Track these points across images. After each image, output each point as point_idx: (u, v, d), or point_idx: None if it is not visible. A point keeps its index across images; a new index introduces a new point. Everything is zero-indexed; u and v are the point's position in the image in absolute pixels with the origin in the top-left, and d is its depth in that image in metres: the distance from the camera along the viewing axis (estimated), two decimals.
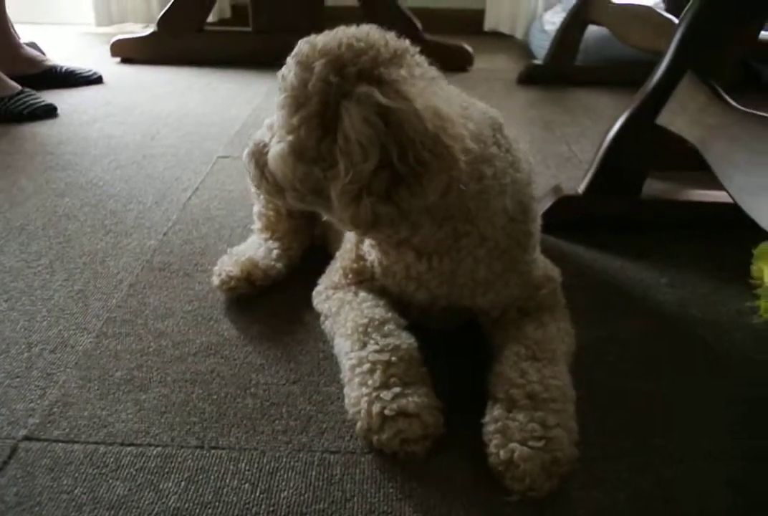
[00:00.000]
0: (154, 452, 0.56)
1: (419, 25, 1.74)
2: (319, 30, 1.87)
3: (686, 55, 0.81)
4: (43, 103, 1.39)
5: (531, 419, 0.52)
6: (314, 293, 0.71)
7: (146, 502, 0.51)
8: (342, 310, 0.65)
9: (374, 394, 0.55)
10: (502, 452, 0.51)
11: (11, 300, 0.77)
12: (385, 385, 0.55)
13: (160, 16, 1.76)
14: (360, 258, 0.67)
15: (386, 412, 0.53)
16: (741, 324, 0.75)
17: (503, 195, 0.58)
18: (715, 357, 0.71)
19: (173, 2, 1.73)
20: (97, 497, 0.52)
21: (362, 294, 0.66)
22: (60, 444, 0.57)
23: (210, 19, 2.18)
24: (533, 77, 1.70)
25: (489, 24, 2.18)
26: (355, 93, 0.51)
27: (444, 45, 1.79)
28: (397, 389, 0.55)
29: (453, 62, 1.79)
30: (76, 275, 0.82)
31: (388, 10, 1.73)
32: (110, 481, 0.53)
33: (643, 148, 0.87)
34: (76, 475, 0.54)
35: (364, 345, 0.59)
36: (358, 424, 0.55)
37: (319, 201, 0.57)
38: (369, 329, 0.60)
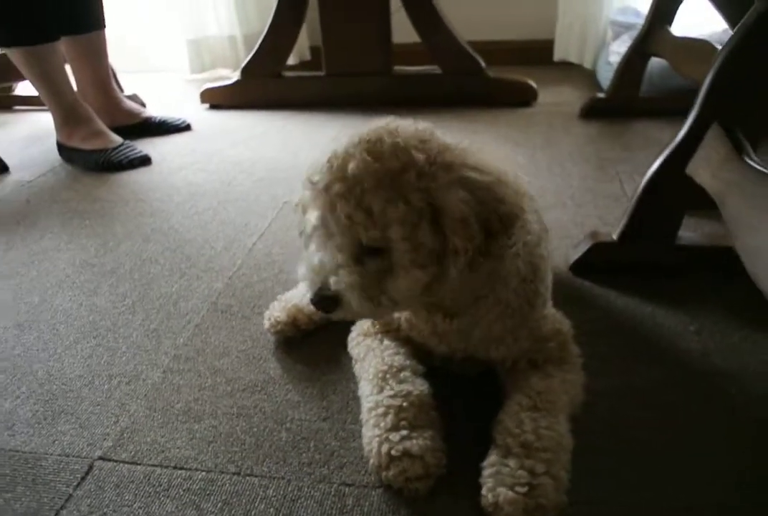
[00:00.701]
0: (200, 476, 0.66)
1: (482, 63, 1.81)
2: (389, 72, 2.01)
3: (713, 106, 0.83)
4: (140, 154, 1.59)
5: (521, 467, 0.57)
6: (349, 338, 0.80)
7: None
8: (367, 355, 0.73)
9: (385, 435, 0.62)
10: (490, 495, 0.56)
11: (98, 337, 0.91)
12: (395, 428, 0.62)
13: (242, 67, 1.94)
14: None
15: (393, 452, 0.60)
16: (767, 376, 0.76)
17: (516, 258, 0.64)
18: (734, 409, 0.72)
19: (253, 54, 1.91)
20: (150, 512, 0.62)
21: (386, 342, 0.73)
22: (126, 465, 0.68)
23: (291, 61, 2.37)
24: (595, 111, 1.72)
25: (558, 54, 2.20)
26: (444, 180, 0.57)
27: (508, 81, 1.84)
28: (404, 432, 0.62)
29: (517, 98, 1.85)
30: (152, 315, 0.96)
31: (449, 48, 1.80)
32: (162, 498, 0.64)
33: (676, 196, 0.89)
34: (136, 492, 0.65)
35: (381, 390, 0.67)
36: (371, 461, 0.63)
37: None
38: (387, 375, 0.68)
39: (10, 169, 1.64)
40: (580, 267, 0.98)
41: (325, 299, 0.60)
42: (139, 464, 0.69)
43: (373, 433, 0.63)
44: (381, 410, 0.64)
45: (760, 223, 0.66)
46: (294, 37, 1.90)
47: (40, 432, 0.74)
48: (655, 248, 0.95)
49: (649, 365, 0.79)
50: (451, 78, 1.84)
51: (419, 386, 0.67)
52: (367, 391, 0.68)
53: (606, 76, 1.80)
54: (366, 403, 0.67)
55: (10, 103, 2.26)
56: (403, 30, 1.84)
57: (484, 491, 0.58)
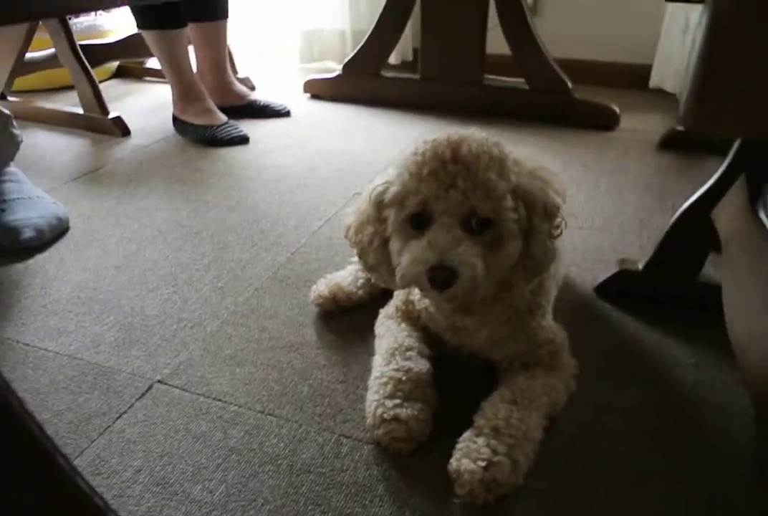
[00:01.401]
0: (232, 409, 0.82)
1: (569, 83, 1.86)
2: (479, 81, 2.11)
3: (743, 157, 0.89)
4: (240, 133, 1.78)
5: (486, 445, 0.68)
6: (377, 319, 0.93)
7: (216, 439, 0.77)
8: (386, 334, 0.86)
9: (382, 401, 0.74)
10: (455, 463, 0.68)
11: (176, 286, 1.09)
12: (391, 396, 0.75)
13: (344, 63, 2.10)
14: (409, 303, 0.87)
15: (384, 415, 0.73)
16: (749, 414, 0.81)
17: None
18: (706, 439, 0.78)
19: (356, 52, 2.05)
20: (188, 428, 0.78)
21: (403, 325, 0.86)
22: (177, 390, 0.85)
23: (393, 61, 2.51)
24: (674, 142, 1.73)
25: (654, 81, 2.21)
26: (525, 170, 0.71)
27: (591, 104, 1.89)
28: (398, 401, 0.74)
29: (599, 121, 1.89)
30: (222, 275, 1.13)
31: (538, 66, 1.87)
32: (199, 420, 0.80)
33: (701, 235, 0.95)
34: (181, 411, 0.81)
35: (388, 363, 0.79)
36: (367, 420, 0.75)
37: None
38: (396, 352, 0.80)
39: (132, 133, 1.88)
40: (604, 290, 1.06)
41: (446, 270, 0.64)
42: (188, 391, 0.85)
43: (373, 397, 0.76)
44: (383, 380, 0.77)
45: (743, 274, 0.72)
46: (395, 40, 2.03)
47: (118, 353, 0.92)
48: (677, 282, 1.01)
49: (639, 388, 0.86)
50: (537, 94, 1.91)
51: (420, 365, 0.78)
52: (377, 362, 0.81)
53: None
54: (374, 372, 0.80)
55: (142, 74, 2.54)
56: (498, 41, 1.92)
57: (452, 460, 0.69)
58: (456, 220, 0.66)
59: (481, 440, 0.69)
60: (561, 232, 0.73)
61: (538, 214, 0.69)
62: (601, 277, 1.07)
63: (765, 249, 0.69)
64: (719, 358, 0.92)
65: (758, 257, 0.70)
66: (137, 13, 1.69)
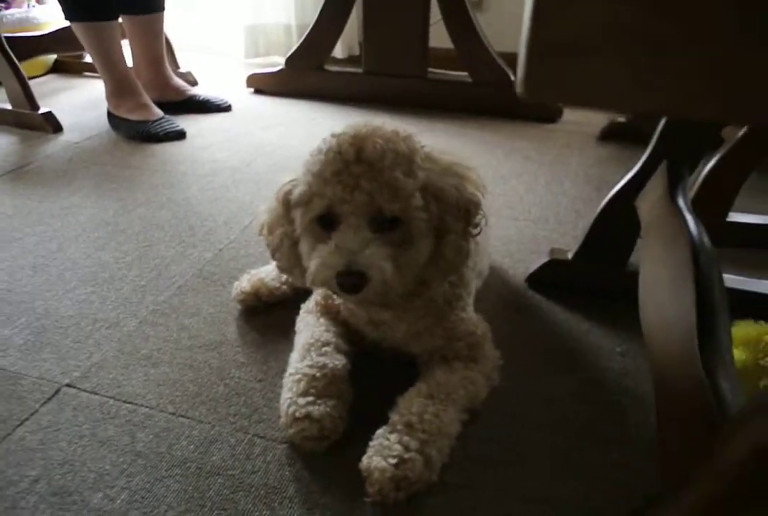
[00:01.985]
0: (142, 411, 0.78)
1: (512, 76, 1.86)
2: (423, 75, 2.10)
3: (664, 143, 0.89)
4: (176, 128, 1.72)
5: (398, 442, 0.66)
6: (299, 314, 0.90)
7: (122, 443, 0.73)
8: (305, 329, 0.83)
9: (295, 398, 0.72)
10: (366, 461, 0.66)
11: (95, 285, 1.05)
12: (304, 393, 0.72)
13: (287, 57, 2.06)
14: (328, 297, 0.85)
15: (297, 414, 0.70)
16: None
17: None
18: (627, 429, 0.78)
19: (298, 45, 2.02)
20: (94, 433, 0.74)
21: (322, 320, 0.83)
22: (86, 393, 0.81)
23: (339, 55, 2.48)
24: (614, 134, 1.75)
25: None
26: (438, 167, 0.69)
27: None
28: (310, 398, 0.71)
29: (542, 113, 1.90)
30: (145, 273, 1.08)
31: (480, 58, 1.86)
32: (106, 424, 0.76)
33: (627, 224, 0.95)
34: (88, 416, 0.77)
35: (303, 359, 0.76)
36: (281, 419, 0.73)
37: None
38: (312, 348, 0.78)
39: (64, 129, 1.81)
40: (535, 280, 1.05)
41: (354, 276, 0.62)
42: (97, 394, 0.81)
43: (286, 395, 0.73)
44: (297, 377, 0.74)
45: (657, 259, 0.72)
46: (337, 34, 2.00)
47: (26, 357, 0.88)
48: (605, 271, 1.01)
49: (565, 377, 0.86)
50: (480, 88, 1.90)
51: (336, 360, 0.76)
52: (293, 358, 0.78)
53: None
54: (289, 369, 0.77)
55: (80, 69, 2.46)
56: (441, 35, 1.91)
57: (363, 457, 0.67)
58: (363, 221, 0.65)
59: (393, 437, 0.67)
60: (480, 231, 0.71)
61: (451, 213, 0.67)
62: (532, 266, 1.06)
63: (678, 234, 0.69)
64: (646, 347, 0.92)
65: (671, 242, 0.70)
66: (63, 3, 1.62)
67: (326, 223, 0.67)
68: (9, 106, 1.83)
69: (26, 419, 0.77)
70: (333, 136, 0.67)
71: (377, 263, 0.63)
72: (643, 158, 0.92)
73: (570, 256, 1.03)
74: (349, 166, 0.63)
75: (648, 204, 0.85)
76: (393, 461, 0.64)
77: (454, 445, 0.70)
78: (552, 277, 1.04)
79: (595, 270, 1.01)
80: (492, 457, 0.73)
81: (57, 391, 0.81)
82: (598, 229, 0.99)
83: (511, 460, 0.72)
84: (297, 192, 0.68)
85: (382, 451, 0.66)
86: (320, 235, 0.68)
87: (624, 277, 1.00)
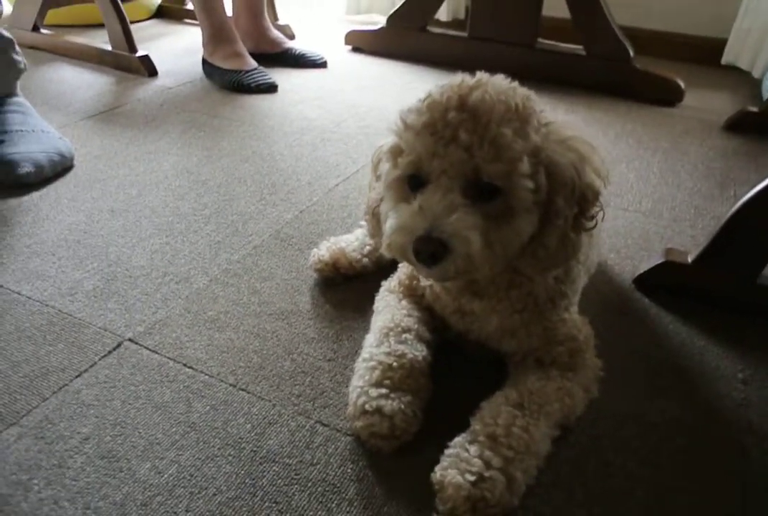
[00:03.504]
0: (201, 378, 0.73)
1: (631, 51, 1.68)
2: (532, 45, 1.94)
3: None
4: (268, 81, 1.66)
5: (479, 456, 0.57)
6: (379, 291, 0.82)
7: (177, 412, 0.68)
8: (384, 310, 0.75)
9: (366, 388, 0.64)
10: (439, 474, 0.57)
11: (170, 236, 1.00)
12: (377, 384, 0.64)
13: (389, 15, 1.94)
14: (414, 277, 0.76)
15: (366, 406, 0.62)
16: None
17: None
18: (746, 468, 0.66)
19: (402, 4, 1.89)
20: (150, 396, 0.70)
21: (404, 302, 0.74)
22: (147, 351, 0.76)
23: (444, 18, 2.34)
24: (743, 125, 1.55)
25: (727, 57, 1.98)
26: (558, 137, 0.59)
27: (654, 76, 1.70)
28: (384, 390, 0.63)
29: (660, 95, 1.71)
30: (221, 229, 1.03)
31: (598, 30, 1.69)
32: (163, 388, 0.71)
33: (765, 231, 0.81)
34: (146, 376, 0.72)
35: (380, 344, 0.68)
36: (348, 409, 0.65)
37: None
38: (391, 333, 0.69)
39: (159, 74, 1.78)
40: (645, 282, 0.92)
41: (433, 243, 0.52)
42: (158, 353, 0.76)
43: (357, 383, 0.65)
44: (372, 364, 0.66)
45: None
46: None
47: (93, 304, 0.84)
48: (732, 281, 0.87)
49: (672, 402, 0.73)
50: (594, 62, 1.73)
51: (416, 350, 0.67)
52: (368, 342, 0.70)
53: None
54: (363, 354, 0.69)
55: (182, 16, 2.43)
56: (555, 2, 1.74)
57: (437, 468, 0.58)
58: (456, 183, 0.54)
59: (474, 449, 0.58)
60: (595, 224, 0.60)
61: (564, 194, 0.56)
62: (644, 267, 0.93)
63: None
64: None
65: None
66: None
67: (415, 184, 0.57)
68: (109, 47, 1.82)
69: (85, 371, 0.73)
70: (441, 86, 0.57)
71: (463, 233, 0.52)
72: None
73: (690, 259, 0.89)
74: (447, 115, 0.53)
75: None
76: (471, 478, 0.55)
77: (541, 466, 0.61)
78: (666, 280, 0.91)
79: (720, 278, 0.87)
80: (579, 484, 0.63)
81: (118, 345, 0.77)
82: (729, 232, 0.84)
83: (601, 490, 0.62)
84: (385, 145, 0.60)
85: (459, 465, 0.57)
86: (405, 196, 0.58)
87: (754, 290, 0.87)
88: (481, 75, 0.58)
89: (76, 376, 0.72)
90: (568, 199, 0.56)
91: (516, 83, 0.59)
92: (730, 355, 0.81)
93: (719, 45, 2.00)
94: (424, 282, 0.73)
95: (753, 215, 0.82)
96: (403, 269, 0.78)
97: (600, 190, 0.58)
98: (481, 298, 0.67)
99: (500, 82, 0.57)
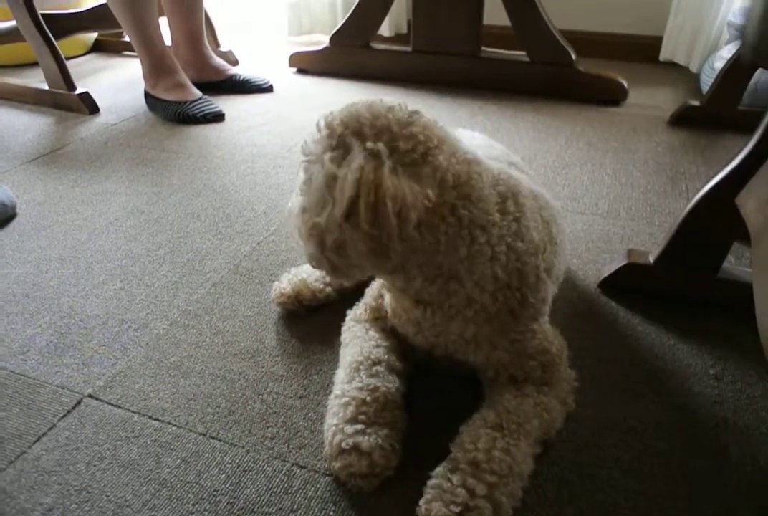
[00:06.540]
0: (169, 430, 0.69)
1: (573, 54, 1.71)
2: (476, 54, 1.94)
3: None
4: (214, 110, 1.63)
5: (463, 485, 0.56)
6: (345, 322, 0.80)
7: (146, 469, 0.65)
8: (351, 342, 0.73)
9: (341, 426, 0.62)
10: (424, 508, 0.55)
11: (124, 281, 0.97)
12: (352, 420, 0.62)
13: (331, 34, 1.94)
14: (380, 296, 0.74)
15: (343, 444, 0.60)
16: None
17: (494, 261, 0.60)
18: (727, 466, 0.66)
19: (343, 23, 1.90)
20: (116, 454, 0.66)
21: (371, 333, 0.73)
22: (109, 406, 0.73)
23: (386, 33, 2.35)
24: (687, 119, 1.59)
25: (664, 53, 2.04)
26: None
27: (597, 77, 1.73)
28: (360, 426, 0.61)
29: (605, 95, 1.74)
30: (178, 268, 1.00)
31: (539, 36, 1.71)
32: (130, 444, 0.68)
33: (722, 225, 0.82)
34: (110, 433, 0.69)
35: (352, 380, 0.66)
36: (325, 449, 0.63)
37: None
38: (361, 367, 0.68)
39: (101, 111, 1.74)
40: (609, 285, 0.93)
41: None
42: (121, 408, 0.73)
43: (331, 421, 0.63)
44: (345, 400, 0.64)
45: None
46: (385, 10, 1.86)
47: (48, 361, 0.80)
48: (693, 278, 0.88)
49: (648, 404, 0.73)
50: (538, 67, 1.75)
51: (388, 383, 0.66)
52: (338, 378, 0.68)
53: (708, 83, 1.66)
54: (335, 390, 0.67)
55: (120, 48, 2.39)
56: (495, 11, 1.77)
57: (421, 502, 0.57)
58: None
59: (456, 478, 0.56)
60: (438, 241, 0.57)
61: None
62: (607, 270, 0.94)
63: None
64: (744, 368, 0.79)
65: None
66: None
67: None
68: (46, 86, 1.77)
69: (43, 435, 0.69)
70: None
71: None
72: (747, 148, 0.78)
73: (651, 259, 0.90)
74: None
75: (756, 203, 0.72)
76: (456, 509, 0.54)
77: (526, 486, 0.59)
78: (630, 282, 0.91)
79: (682, 276, 0.88)
80: (566, 501, 0.62)
81: (78, 403, 0.73)
82: (686, 228, 0.85)
83: (588, 506, 0.61)
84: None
85: (443, 496, 0.55)
86: None
87: (716, 286, 0.88)
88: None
89: (35, 442, 0.68)
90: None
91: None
92: (699, 352, 0.82)
93: (656, 42, 2.06)
94: (387, 301, 0.72)
95: (706, 212, 0.83)
96: (370, 293, 0.76)
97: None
98: (425, 306, 0.65)
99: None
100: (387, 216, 0.53)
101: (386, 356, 0.69)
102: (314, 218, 0.57)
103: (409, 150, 0.54)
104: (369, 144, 0.54)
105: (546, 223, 0.68)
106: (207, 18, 1.95)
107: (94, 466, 0.65)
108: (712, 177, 0.83)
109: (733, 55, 1.48)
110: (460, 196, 0.57)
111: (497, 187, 0.61)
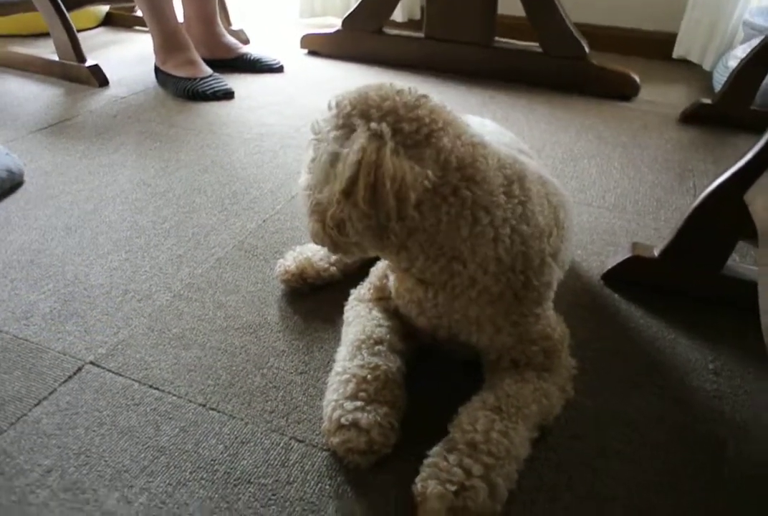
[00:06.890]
0: (169, 400, 0.70)
1: (586, 48, 1.70)
2: (489, 43, 1.93)
3: None
4: (224, 87, 1.62)
5: (459, 464, 0.56)
6: (348, 300, 0.80)
7: (145, 436, 0.65)
8: (354, 321, 0.73)
9: (341, 402, 0.62)
10: (420, 485, 0.56)
11: (129, 252, 0.97)
12: (352, 397, 0.62)
13: (344, 18, 1.92)
14: (385, 277, 0.75)
15: (342, 420, 0.61)
16: None
17: (498, 243, 0.60)
18: (725, 460, 0.66)
19: (357, 6, 1.88)
20: (115, 421, 0.67)
21: (374, 312, 0.73)
22: (110, 374, 0.73)
23: (399, 19, 2.33)
24: (698, 117, 1.58)
25: (678, 50, 2.03)
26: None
27: (609, 71, 1.72)
28: (359, 403, 0.62)
29: (616, 90, 1.73)
30: (182, 242, 1.00)
31: (554, 28, 1.70)
32: (129, 412, 0.68)
33: (728, 222, 0.82)
34: (110, 400, 0.69)
35: (353, 357, 0.67)
36: (323, 424, 0.63)
37: None
38: (363, 345, 0.68)
39: (110, 84, 1.73)
40: (613, 278, 0.93)
41: None
42: (122, 376, 0.73)
43: (331, 397, 0.64)
44: (345, 377, 0.64)
45: None
46: None
47: (50, 327, 0.80)
48: (697, 273, 0.88)
49: (648, 397, 0.74)
50: (551, 59, 1.74)
51: (389, 362, 0.66)
52: (340, 355, 0.69)
53: (721, 81, 1.65)
54: (336, 367, 0.67)
55: (131, 23, 2.37)
56: (509, 1, 1.75)
57: (417, 479, 0.57)
58: None
59: (453, 458, 0.57)
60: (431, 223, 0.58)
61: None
62: (611, 262, 0.94)
63: None
64: (744, 364, 0.79)
65: None
66: None
67: None
68: (56, 57, 1.76)
69: (44, 399, 0.69)
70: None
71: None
72: (758, 147, 0.78)
73: (656, 253, 0.90)
74: None
75: (765, 200, 0.72)
76: (452, 488, 0.54)
77: (522, 470, 0.60)
78: (634, 275, 0.91)
79: (686, 271, 0.88)
80: (562, 488, 0.62)
81: (79, 369, 0.74)
82: (692, 224, 0.85)
83: (584, 494, 0.62)
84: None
85: (439, 475, 0.56)
86: None
87: (719, 281, 0.88)
88: None
89: (35, 405, 0.69)
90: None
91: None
92: (699, 347, 0.82)
93: (670, 39, 2.04)
94: (391, 281, 0.72)
95: (714, 208, 0.83)
96: (375, 273, 0.76)
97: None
98: (427, 286, 0.65)
99: None
100: (385, 196, 0.53)
101: (388, 336, 0.69)
102: (317, 195, 0.58)
103: (413, 131, 0.55)
104: (373, 124, 0.54)
105: (554, 207, 0.68)
106: None
107: (94, 431, 0.66)
108: (721, 175, 0.83)
109: (748, 55, 1.47)
110: (464, 178, 0.57)
111: (503, 170, 0.61)
